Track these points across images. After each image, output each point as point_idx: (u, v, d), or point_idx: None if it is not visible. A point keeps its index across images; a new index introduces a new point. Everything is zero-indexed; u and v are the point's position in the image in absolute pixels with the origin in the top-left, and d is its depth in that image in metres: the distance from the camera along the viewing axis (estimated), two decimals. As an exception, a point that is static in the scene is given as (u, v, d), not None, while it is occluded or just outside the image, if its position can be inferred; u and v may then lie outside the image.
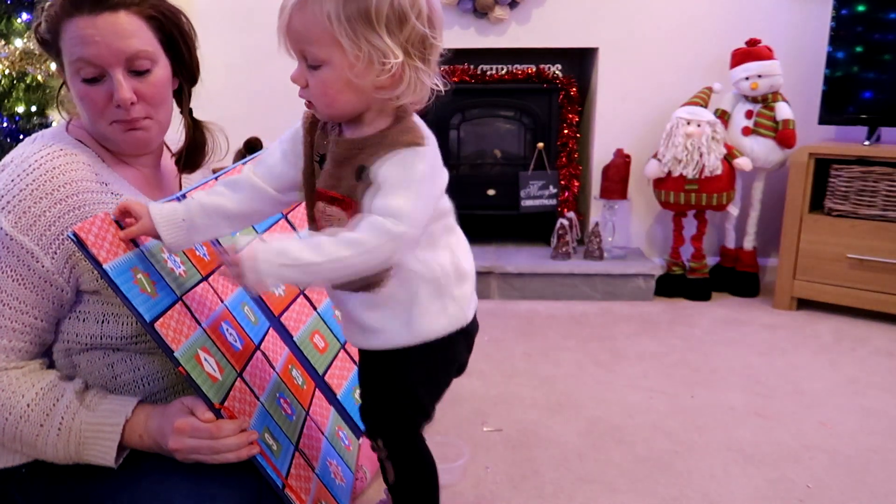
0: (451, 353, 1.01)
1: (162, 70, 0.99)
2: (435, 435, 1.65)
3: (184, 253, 1.05)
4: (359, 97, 0.84)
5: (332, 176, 0.89)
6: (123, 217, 0.92)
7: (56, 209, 0.92)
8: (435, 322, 0.94)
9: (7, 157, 0.98)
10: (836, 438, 1.69)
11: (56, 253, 0.92)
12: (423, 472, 1.06)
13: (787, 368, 2.11)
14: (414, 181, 0.82)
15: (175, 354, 0.89)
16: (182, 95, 1.08)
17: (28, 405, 0.91)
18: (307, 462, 1.11)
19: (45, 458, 0.95)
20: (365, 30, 0.79)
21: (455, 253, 0.97)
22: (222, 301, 1.10)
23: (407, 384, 0.99)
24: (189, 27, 1.04)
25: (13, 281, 0.91)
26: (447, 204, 0.96)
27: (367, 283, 0.91)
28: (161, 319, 0.90)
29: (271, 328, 1.24)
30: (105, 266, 0.86)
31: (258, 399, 1.05)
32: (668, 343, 2.33)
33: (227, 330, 1.06)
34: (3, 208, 0.90)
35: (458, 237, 1.00)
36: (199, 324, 0.99)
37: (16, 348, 0.93)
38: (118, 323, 0.96)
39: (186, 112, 1.11)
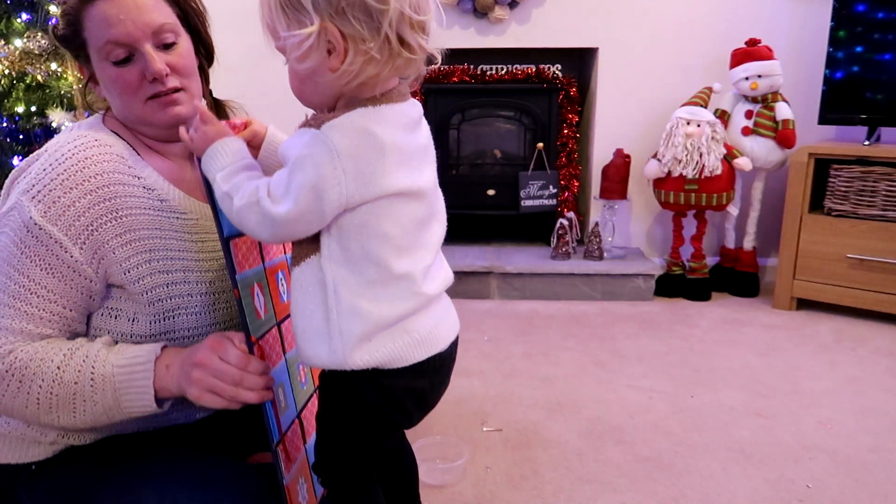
0: (350, 394, 0.86)
1: (186, 42, 1.01)
2: (435, 435, 1.65)
3: None
4: (318, 87, 0.81)
5: None
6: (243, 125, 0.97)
7: (86, 200, 0.92)
8: (317, 345, 0.83)
9: (43, 147, 0.98)
10: (836, 438, 1.69)
11: (85, 244, 0.92)
12: None
13: (787, 368, 2.12)
14: (288, 159, 0.79)
15: (237, 276, 0.90)
16: (202, 76, 1.09)
17: (58, 367, 0.90)
18: (302, 434, 1.11)
19: (84, 422, 0.93)
20: (294, 9, 0.77)
21: (361, 291, 0.82)
22: (285, 252, 1.12)
23: (324, 420, 0.91)
24: (200, 4, 1.06)
25: (41, 270, 0.90)
26: (380, 231, 0.81)
27: (295, 255, 0.87)
28: (236, 240, 0.92)
29: None
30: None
31: (284, 354, 1.06)
32: (668, 343, 2.33)
33: (281, 280, 1.07)
34: (34, 197, 0.90)
35: (388, 284, 0.83)
36: (263, 262, 1.00)
37: (42, 334, 0.92)
38: (147, 321, 0.97)
39: (207, 92, 1.12)
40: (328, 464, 0.93)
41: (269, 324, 1.00)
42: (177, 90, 0.99)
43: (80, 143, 0.95)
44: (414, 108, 0.86)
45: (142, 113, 0.99)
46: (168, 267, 0.98)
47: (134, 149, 1.01)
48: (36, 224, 0.89)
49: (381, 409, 0.87)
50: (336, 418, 0.90)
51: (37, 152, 0.97)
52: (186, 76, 1.00)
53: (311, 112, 0.86)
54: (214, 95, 1.15)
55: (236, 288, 0.90)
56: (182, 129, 0.91)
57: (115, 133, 1.01)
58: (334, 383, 0.87)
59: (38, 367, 0.89)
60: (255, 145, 0.99)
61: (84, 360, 0.91)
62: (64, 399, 0.91)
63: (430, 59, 0.83)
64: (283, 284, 1.08)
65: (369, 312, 0.82)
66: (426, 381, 0.88)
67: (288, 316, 1.09)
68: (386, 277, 0.83)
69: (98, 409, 0.92)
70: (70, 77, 2.21)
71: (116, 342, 0.98)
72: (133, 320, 0.97)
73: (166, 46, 0.97)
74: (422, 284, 0.85)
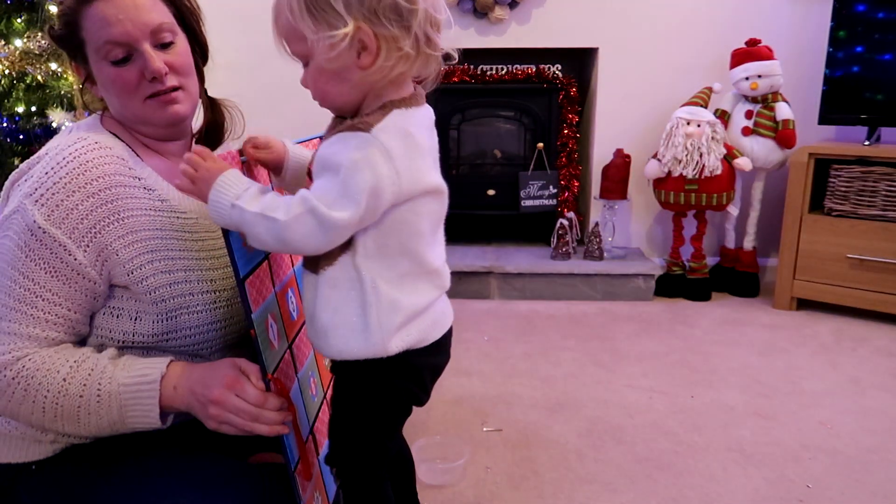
0: (381, 380, 0.90)
1: (183, 41, 1.01)
2: (435, 435, 1.65)
3: None
4: (347, 85, 0.83)
5: (316, 151, 0.91)
6: (261, 146, 0.95)
7: (88, 203, 0.92)
8: (350, 339, 0.86)
9: (43, 149, 0.98)
10: (836, 438, 1.69)
11: (88, 246, 0.92)
12: None
13: (787, 368, 2.12)
14: (340, 164, 0.79)
15: (252, 316, 0.90)
16: (198, 75, 1.09)
17: (64, 379, 0.90)
18: (315, 448, 1.12)
19: (88, 432, 0.94)
20: (321, 10, 0.78)
21: (398, 284, 0.87)
22: (293, 265, 1.11)
23: (345, 408, 0.94)
24: (195, 3, 1.06)
25: (46, 273, 0.91)
26: (415, 228, 0.86)
27: (325, 255, 0.87)
28: (251, 278, 0.92)
29: None
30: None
31: (297, 375, 1.06)
32: (668, 343, 2.33)
33: (290, 298, 1.07)
34: (37, 201, 0.90)
35: (420, 276, 0.90)
36: (274, 287, 1.00)
37: (48, 338, 0.92)
38: (150, 321, 0.97)
39: (202, 91, 1.12)
40: (348, 453, 0.95)
41: (282, 350, 1.00)
42: (175, 89, 0.99)
43: (80, 147, 0.95)
44: (430, 111, 0.90)
45: (141, 112, 0.99)
46: (170, 267, 0.98)
47: (132, 149, 1.01)
48: (40, 227, 0.90)
49: (407, 388, 0.92)
50: (361, 405, 0.92)
51: (37, 155, 0.97)
52: (184, 75, 1.01)
53: (326, 118, 0.87)
54: (210, 94, 1.16)
55: (252, 328, 0.89)
56: (179, 182, 0.88)
57: (113, 134, 1.01)
58: (361, 372, 0.88)
59: (44, 378, 0.90)
60: (275, 166, 0.97)
61: (90, 374, 0.91)
62: (68, 410, 0.91)
63: (447, 57, 0.86)
64: (292, 303, 1.08)
65: (407, 305, 0.87)
66: (441, 356, 0.95)
67: (298, 333, 1.08)
68: (418, 271, 0.88)
69: (103, 423, 0.92)
70: (70, 77, 2.21)
71: (122, 349, 0.98)
72: (136, 319, 0.97)
73: (164, 46, 0.98)
74: (444, 277, 0.94)
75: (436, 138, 0.90)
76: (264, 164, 0.97)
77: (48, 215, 0.90)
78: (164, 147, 1.06)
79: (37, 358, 0.91)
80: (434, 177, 0.87)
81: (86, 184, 0.92)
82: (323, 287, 0.87)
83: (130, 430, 0.94)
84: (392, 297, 0.86)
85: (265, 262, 0.98)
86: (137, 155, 1.01)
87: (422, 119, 0.87)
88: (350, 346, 0.86)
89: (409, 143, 0.82)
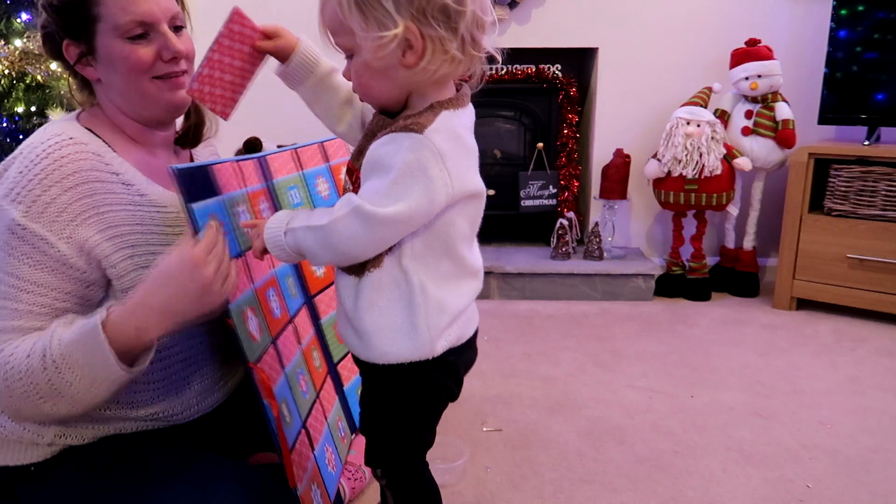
0: (425, 380, 0.91)
1: (187, 31, 1.05)
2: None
3: (252, 213, 1.08)
4: (390, 82, 0.83)
5: (358, 148, 0.91)
6: (269, 36, 0.95)
7: (66, 196, 0.92)
8: (397, 341, 0.87)
9: (18, 148, 0.98)
10: (836, 438, 1.69)
11: (70, 238, 0.92)
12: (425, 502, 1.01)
13: (787, 368, 2.11)
14: (392, 165, 0.79)
15: (230, 306, 0.91)
16: None
17: (27, 356, 0.88)
18: (310, 441, 1.12)
19: (76, 402, 0.90)
20: (371, 7, 0.78)
21: (444, 285, 0.88)
22: (273, 267, 1.12)
23: (391, 409, 0.94)
24: (187, 2, 1.10)
25: (29, 267, 0.90)
26: (459, 230, 0.87)
27: (358, 265, 0.88)
28: None
29: (304, 306, 1.27)
30: (193, 205, 0.89)
31: (283, 369, 1.06)
32: (668, 343, 2.33)
33: (272, 296, 1.09)
34: (13, 200, 0.90)
35: (462, 278, 0.92)
36: (252, 283, 1.02)
37: (31, 327, 0.91)
38: None
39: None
40: (391, 452, 0.96)
41: (265, 344, 1.01)
42: (185, 72, 1.02)
43: (54, 143, 0.94)
44: (472, 111, 0.90)
45: (146, 91, 1.00)
46: (149, 262, 0.97)
47: (109, 145, 1.01)
48: (18, 224, 0.89)
49: (447, 385, 0.94)
50: (403, 405, 0.92)
51: (12, 155, 0.97)
52: (190, 61, 1.04)
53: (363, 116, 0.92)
54: None
55: (230, 318, 0.91)
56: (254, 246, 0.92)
57: (89, 130, 1.01)
58: (404, 373, 0.89)
59: (11, 359, 0.88)
60: (285, 54, 0.96)
61: (46, 345, 0.88)
62: (42, 385, 0.88)
63: (492, 59, 0.87)
64: (274, 301, 1.08)
65: (452, 306, 0.88)
66: (472, 352, 0.98)
67: (282, 331, 1.09)
68: (459, 272, 0.90)
69: (77, 389, 0.89)
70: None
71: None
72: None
73: (176, 29, 1.01)
74: (482, 277, 0.95)
75: (474, 139, 0.91)
76: (274, 53, 0.96)
77: (26, 211, 0.90)
78: (149, 137, 1.06)
79: (8, 347, 0.89)
80: (478, 180, 0.88)
81: (62, 178, 0.92)
82: (366, 290, 0.87)
83: (108, 391, 0.90)
84: (439, 298, 0.87)
85: (241, 258, 0.99)
86: (114, 151, 1.01)
87: (466, 120, 0.88)
88: (396, 348, 0.86)
89: (458, 146, 0.83)
